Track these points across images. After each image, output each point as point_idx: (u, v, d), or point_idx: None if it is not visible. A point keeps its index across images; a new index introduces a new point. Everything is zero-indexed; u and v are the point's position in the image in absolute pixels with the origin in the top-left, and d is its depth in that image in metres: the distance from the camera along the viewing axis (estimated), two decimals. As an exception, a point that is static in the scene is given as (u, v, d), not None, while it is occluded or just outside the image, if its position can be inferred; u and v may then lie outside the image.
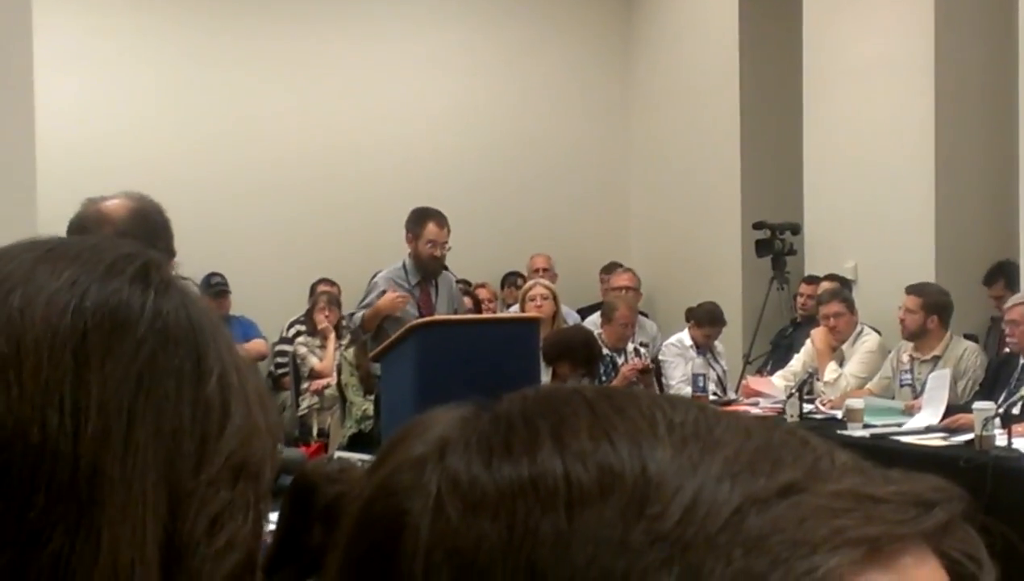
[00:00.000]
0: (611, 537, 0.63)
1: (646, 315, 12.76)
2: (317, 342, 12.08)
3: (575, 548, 0.63)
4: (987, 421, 7.63)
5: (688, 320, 11.35)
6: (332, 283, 12.71)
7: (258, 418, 1.10)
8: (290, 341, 12.33)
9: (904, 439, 8.26)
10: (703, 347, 11.09)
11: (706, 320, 11.14)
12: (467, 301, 11.25)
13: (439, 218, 9.58)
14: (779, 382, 10.23)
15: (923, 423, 8.53)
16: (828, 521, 0.63)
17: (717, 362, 11.15)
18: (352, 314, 9.94)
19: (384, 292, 9.49)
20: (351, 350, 10.90)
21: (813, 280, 11.38)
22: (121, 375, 1.02)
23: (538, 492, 0.65)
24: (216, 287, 11.83)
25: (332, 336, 11.98)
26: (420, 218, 9.63)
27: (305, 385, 11.94)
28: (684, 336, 11.26)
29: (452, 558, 0.66)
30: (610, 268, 13.52)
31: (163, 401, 1.04)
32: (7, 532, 1.00)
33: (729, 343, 11.76)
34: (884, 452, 7.48)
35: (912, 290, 9.71)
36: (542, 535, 0.64)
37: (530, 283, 11.20)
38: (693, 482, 0.64)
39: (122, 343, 1.04)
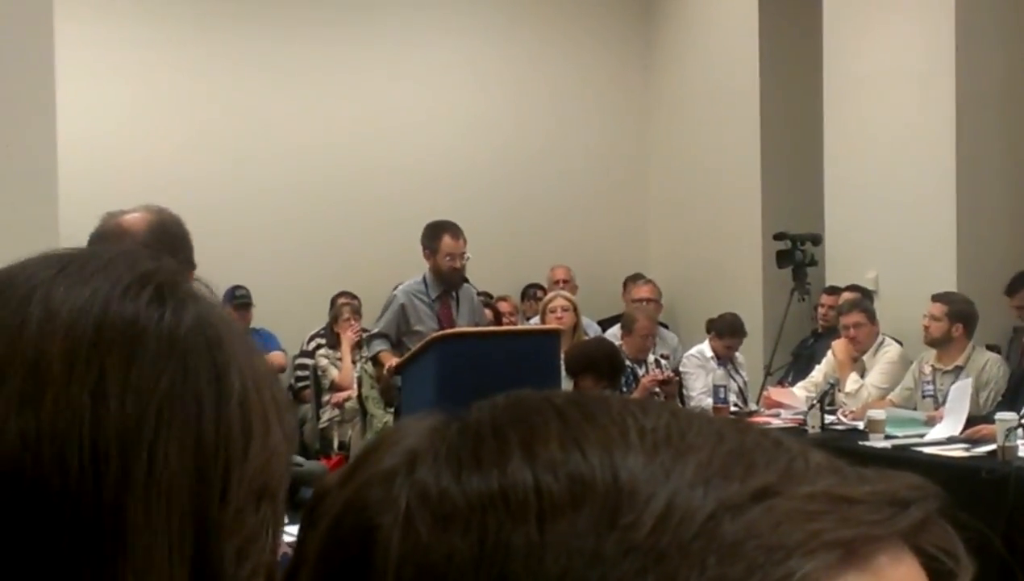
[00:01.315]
0: (584, 548, 0.62)
1: (666, 326, 12.75)
2: (338, 355, 12.09)
3: (548, 560, 0.62)
4: (1009, 431, 7.61)
5: (709, 331, 11.33)
6: (352, 296, 12.71)
7: (276, 435, 1.08)
8: (311, 354, 12.33)
9: (926, 450, 8.24)
10: (724, 358, 11.07)
11: (727, 331, 11.11)
12: (488, 313, 11.24)
13: (454, 230, 9.58)
14: (800, 393, 10.20)
15: (945, 434, 8.50)
16: (803, 525, 0.62)
17: (738, 373, 11.14)
18: (371, 335, 9.93)
19: (403, 306, 9.51)
20: (371, 363, 10.90)
21: (834, 291, 11.36)
22: (140, 411, 1.00)
23: (508, 504, 0.64)
24: (240, 299, 11.86)
25: (349, 348, 11.98)
26: (435, 232, 9.63)
27: (326, 398, 11.95)
28: (705, 347, 11.24)
29: (423, 574, 0.65)
30: (634, 279, 13.51)
31: (185, 432, 1.02)
32: (33, 576, 0.98)
33: (750, 354, 11.74)
34: (906, 463, 7.43)
35: (938, 298, 9.69)
36: (514, 548, 0.63)
37: (550, 295, 11.18)
38: (666, 489, 0.63)
39: (141, 376, 1.01)
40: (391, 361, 9.29)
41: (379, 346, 9.62)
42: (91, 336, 1.01)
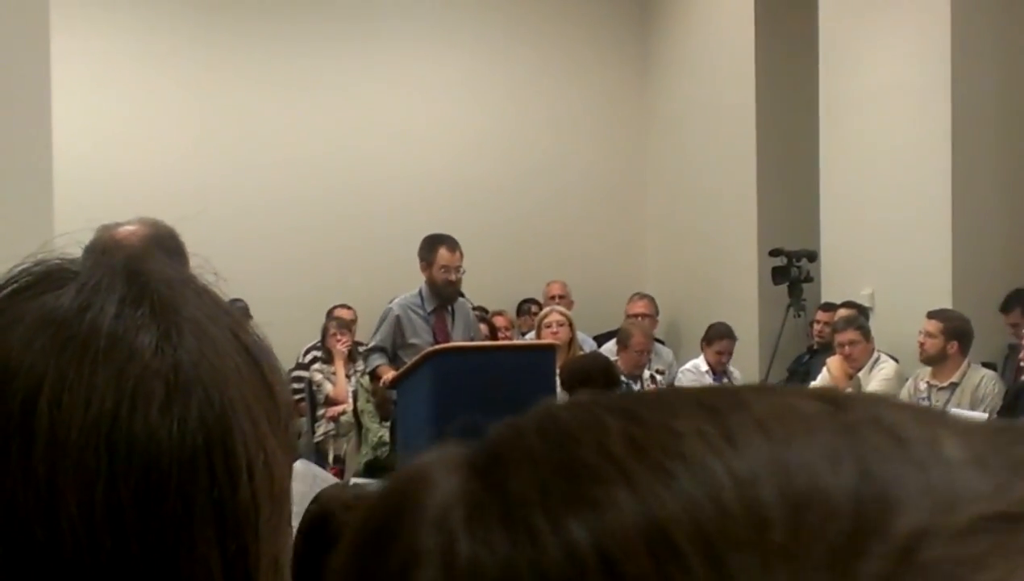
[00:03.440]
0: None
1: (662, 342, 12.75)
2: (332, 369, 12.08)
3: None
4: (1005, 449, 7.61)
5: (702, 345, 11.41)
6: (348, 308, 12.70)
7: (285, 499, 1.07)
8: (306, 367, 12.33)
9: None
10: (719, 371, 11.10)
11: (715, 335, 11.20)
12: (483, 328, 11.23)
13: (450, 243, 9.59)
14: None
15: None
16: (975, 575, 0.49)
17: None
18: (368, 351, 9.93)
19: (398, 318, 9.51)
20: (367, 377, 10.90)
21: (830, 307, 11.37)
22: (157, 537, 0.98)
23: None
24: (241, 311, 11.83)
25: (342, 362, 11.98)
26: (431, 245, 9.64)
27: (321, 412, 11.94)
28: (700, 362, 11.29)
29: None
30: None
31: (202, 542, 1.00)
32: None
33: (746, 370, 11.75)
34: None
35: (934, 315, 9.70)
36: None
37: (546, 310, 11.19)
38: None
39: (159, 503, 0.99)
40: (389, 374, 9.29)
41: (377, 360, 9.62)
42: (107, 467, 0.98)
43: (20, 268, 1.08)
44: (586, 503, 0.52)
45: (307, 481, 4.91)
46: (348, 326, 12.30)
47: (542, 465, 0.56)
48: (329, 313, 12.64)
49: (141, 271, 1.08)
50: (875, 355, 10.33)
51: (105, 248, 3.96)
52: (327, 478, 5.80)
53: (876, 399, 0.57)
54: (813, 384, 10.47)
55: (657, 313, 12.88)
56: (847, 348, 10.23)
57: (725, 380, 11.15)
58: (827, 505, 0.50)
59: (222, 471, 1.01)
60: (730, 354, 11.56)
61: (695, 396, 0.57)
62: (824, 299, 11.72)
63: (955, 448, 0.53)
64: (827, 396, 0.56)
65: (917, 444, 0.53)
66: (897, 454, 0.53)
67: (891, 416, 0.55)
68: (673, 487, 0.52)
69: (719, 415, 0.55)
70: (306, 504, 3.88)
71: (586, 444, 0.55)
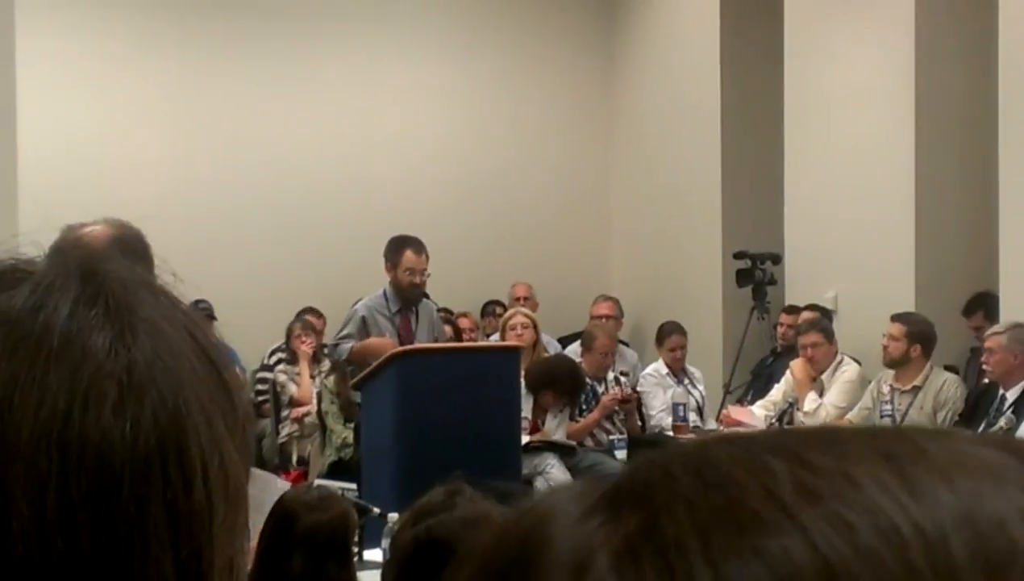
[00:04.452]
0: None
1: (627, 344, 12.77)
2: (297, 370, 12.06)
3: None
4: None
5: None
6: (316, 313, 12.67)
7: (241, 501, 1.07)
8: (271, 368, 12.31)
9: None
10: (678, 372, 11.16)
11: (664, 333, 11.33)
12: (447, 329, 11.23)
13: (417, 245, 9.56)
14: (759, 412, 10.25)
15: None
16: None
17: (695, 387, 11.20)
18: (335, 345, 9.88)
19: (364, 319, 9.47)
20: (331, 378, 10.88)
21: (793, 310, 11.40)
22: (109, 538, 0.97)
23: None
24: (202, 314, 11.78)
25: (307, 363, 11.96)
26: (397, 246, 9.60)
27: (285, 413, 11.92)
28: (659, 365, 11.35)
29: None
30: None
31: (155, 544, 0.99)
32: None
33: (709, 372, 11.78)
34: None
35: (897, 318, 9.76)
36: None
37: (510, 312, 11.19)
38: None
39: (112, 504, 0.98)
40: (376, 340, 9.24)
41: (348, 344, 9.53)
42: (60, 466, 0.97)
43: None
44: (754, 553, 0.48)
45: (258, 485, 4.90)
46: (313, 327, 12.28)
47: (701, 510, 0.50)
48: (299, 314, 12.59)
49: (96, 271, 1.07)
50: (838, 358, 10.37)
51: (62, 248, 3.95)
52: (280, 483, 5.79)
53: None
54: (777, 386, 10.55)
55: (621, 315, 12.89)
56: (810, 351, 10.27)
57: (686, 381, 11.19)
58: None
59: (176, 473, 1.00)
60: (683, 349, 11.57)
61: (866, 439, 0.53)
62: (788, 302, 11.75)
63: None
64: (1007, 445, 0.53)
65: None
66: None
67: None
68: (853, 540, 0.48)
69: (898, 463, 0.51)
70: (260, 507, 3.88)
71: (751, 490, 0.50)
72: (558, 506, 0.54)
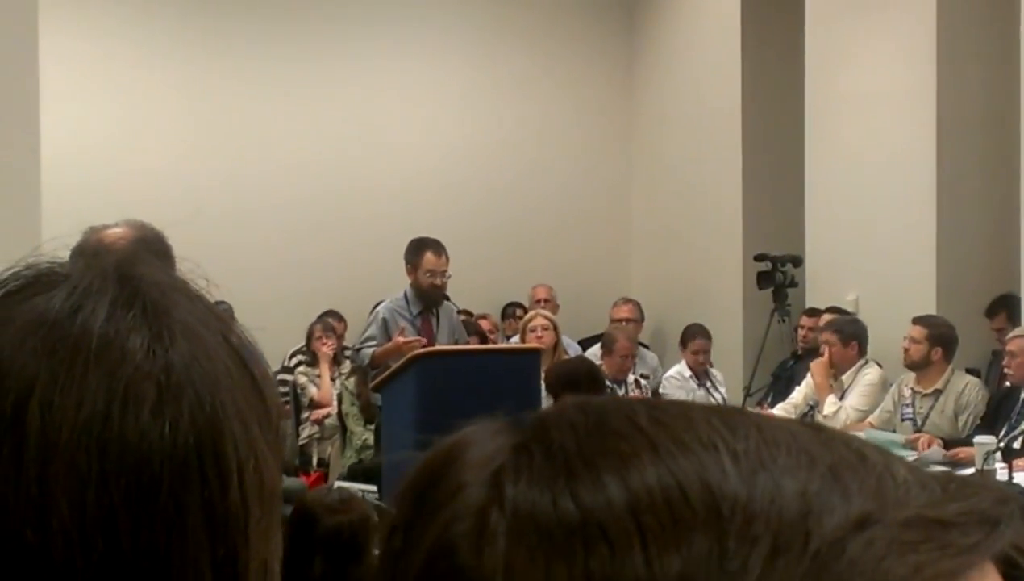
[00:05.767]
0: None
1: (647, 347, 12.76)
2: (317, 372, 12.06)
3: None
4: (988, 455, 7.63)
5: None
6: (337, 315, 12.67)
7: (275, 502, 1.08)
8: (291, 370, 12.31)
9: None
10: (700, 375, 11.14)
11: (689, 335, 11.27)
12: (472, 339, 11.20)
13: (436, 247, 9.57)
14: (780, 414, 10.21)
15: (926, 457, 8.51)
16: (904, 557, 0.61)
17: (717, 390, 11.18)
18: (357, 348, 9.88)
19: (385, 321, 9.48)
20: (352, 379, 10.89)
21: (814, 313, 11.38)
22: (148, 538, 0.98)
23: (612, 539, 0.62)
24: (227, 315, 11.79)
25: (327, 365, 11.96)
26: (418, 248, 9.61)
27: (305, 414, 11.92)
28: (682, 367, 11.33)
29: None
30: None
31: (193, 544, 1.00)
32: None
33: (730, 375, 11.77)
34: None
35: (919, 321, 9.71)
36: None
37: (531, 314, 11.18)
38: (770, 528, 0.62)
39: (150, 504, 0.98)
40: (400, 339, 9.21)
41: (370, 348, 9.53)
42: (98, 469, 0.98)
43: (10, 272, 1.08)
44: (615, 452, 0.66)
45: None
46: (333, 329, 12.29)
47: (579, 426, 0.69)
48: (320, 316, 12.59)
49: (132, 274, 1.08)
50: (861, 360, 10.33)
51: (95, 251, 3.97)
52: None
53: (848, 434, 0.71)
54: (798, 389, 10.52)
55: (642, 318, 12.88)
56: (825, 348, 10.25)
57: (708, 384, 11.17)
58: (800, 489, 0.64)
59: (212, 473, 1.01)
60: (707, 353, 11.56)
61: (706, 405, 0.71)
62: (809, 304, 11.73)
63: (904, 471, 0.67)
64: (812, 424, 0.70)
65: (876, 463, 0.67)
66: (859, 465, 0.66)
67: (859, 442, 0.69)
68: (688, 456, 0.65)
69: (724, 413, 0.69)
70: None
71: (617, 417, 0.69)
72: (473, 432, 0.73)
